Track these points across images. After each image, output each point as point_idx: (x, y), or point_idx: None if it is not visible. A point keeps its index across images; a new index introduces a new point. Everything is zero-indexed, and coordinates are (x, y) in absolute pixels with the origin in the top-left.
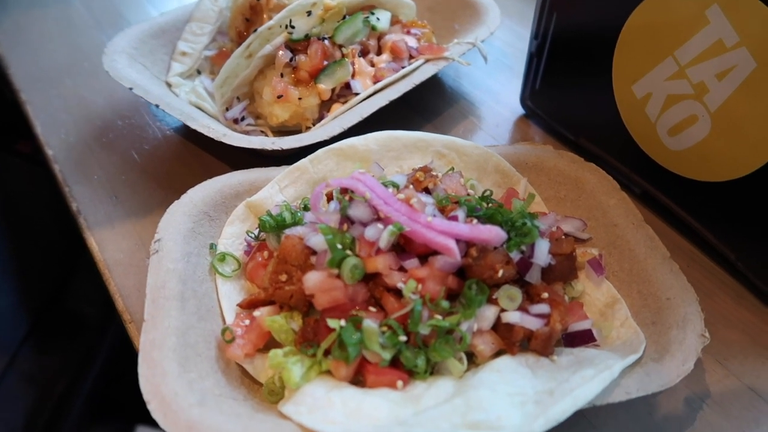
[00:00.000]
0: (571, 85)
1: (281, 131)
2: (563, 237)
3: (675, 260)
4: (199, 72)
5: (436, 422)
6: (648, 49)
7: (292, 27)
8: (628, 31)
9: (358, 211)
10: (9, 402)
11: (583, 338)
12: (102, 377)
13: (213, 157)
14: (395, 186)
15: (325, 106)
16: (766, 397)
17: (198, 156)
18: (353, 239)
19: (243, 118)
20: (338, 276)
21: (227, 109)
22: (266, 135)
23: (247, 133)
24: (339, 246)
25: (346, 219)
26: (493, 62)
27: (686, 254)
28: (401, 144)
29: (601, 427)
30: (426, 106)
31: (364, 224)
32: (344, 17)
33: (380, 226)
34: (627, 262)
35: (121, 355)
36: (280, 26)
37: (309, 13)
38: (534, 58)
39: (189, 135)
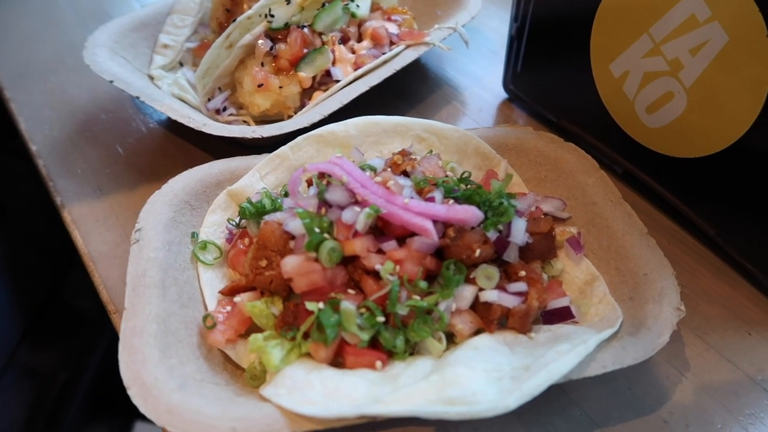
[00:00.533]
0: (551, 66)
1: (263, 120)
2: (542, 216)
3: (656, 237)
4: (181, 64)
5: (412, 398)
6: (624, 28)
7: (272, 16)
8: (604, 10)
9: (335, 195)
10: (10, 397)
11: (562, 315)
12: (102, 371)
13: (196, 148)
14: (373, 169)
15: (306, 94)
16: (744, 369)
17: (181, 147)
18: (331, 223)
19: (225, 109)
20: (316, 260)
21: (209, 100)
22: (248, 125)
23: (229, 123)
24: (317, 230)
25: (324, 203)
26: (476, 47)
27: (667, 231)
28: (381, 129)
29: (582, 402)
30: (410, 92)
31: (342, 208)
32: (323, 5)
33: (357, 209)
34: (605, 239)
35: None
36: (260, 15)
37: (288, 1)
38: (514, 42)
39: (172, 127)
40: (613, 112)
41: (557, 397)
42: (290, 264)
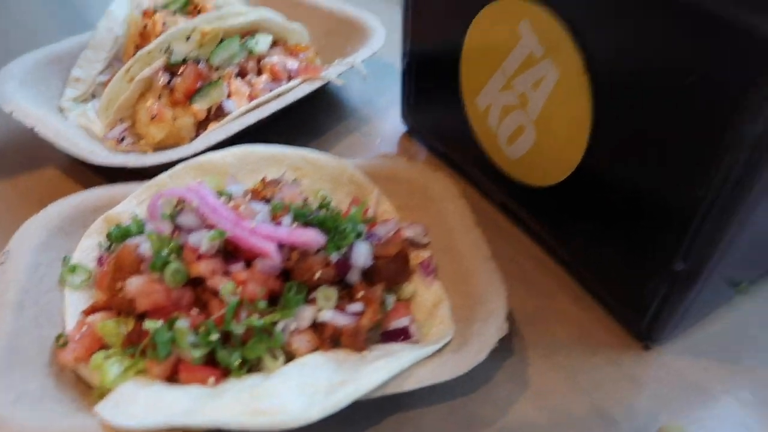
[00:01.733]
0: (435, 101)
1: (162, 150)
2: (396, 240)
3: (524, 263)
4: (93, 96)
5: (224, 410)
6: (483, 63)
7: (171, 51)
8: (468, 49)
9: (186, 219)
10: None
11: (398, 335)
12: None
13: (95, 176)
14: (229, 196)
15: (202, 126)
16: (582, 386)
17: (78, 176)
18: (181, 246)
19: (123, 139)
20: (161, 280)
21: (111, 131)
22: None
23: (126, 152)
24: (165, 252)
25: (177, 227)
26: (383, 79)
27: (534, 257)
28: (258, 157)
29: (419, 419)
30: (313, 123)
31: (192, 231)
32: (222, 41)
33: (205, 231)
34: (456, 263)
35: None
36: (160, 51)
37: (188, 38)
38: (405, 76)
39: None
40: (483, 144)
41: (393, 412)
42: (134, 284)
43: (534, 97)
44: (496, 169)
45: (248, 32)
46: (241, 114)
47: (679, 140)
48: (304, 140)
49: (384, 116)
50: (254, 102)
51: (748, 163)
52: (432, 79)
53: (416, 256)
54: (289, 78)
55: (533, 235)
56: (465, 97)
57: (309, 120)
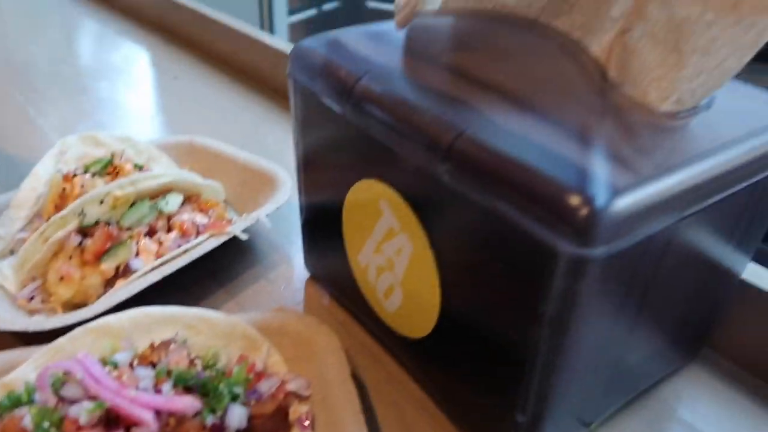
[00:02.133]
0: (328, 253)
1: (73, 308)
2: (277, 396)
3: (405, 407)
4: (12, 252)
5: None
6: (359, 228)
7: (85, 214)
8: (346, 214)
9: (69, 391)
10: None
11: None
12: None
13: (15, 339)
14: (115, 364)
15: (110, 284)
16: None
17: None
18: (62, 418)
19: (32, 298)
20: None
21: (23, 290)
22: (56, 312)
23: (36, 311)
24: (46, 424)
25: (61, 399)
26: (293, 225)
27: (419, 403)
28: (152, 320)
29: None
30: (221, 273)
31: (76, 402)
32: (134, 203)
33: (86, 403)
34: (331, 415)
35: None
36: (75, 214)
37: (102, 201)
38: (304, 228)
39: None
40: (366, 295)
41: None
42: None
43: (397, 263)
44: (379, 319)
45: (161, 192)
46: (147, 272)
47: (505, 310)
48: (212, 290)
49: (291, 262)
50: (160, 259)
51: (558, 320)
52: (324, 234)
53: (295, 411)
54: (198, 233)
55: (417, 380)
56: (349, 253)
57: (217, 270)
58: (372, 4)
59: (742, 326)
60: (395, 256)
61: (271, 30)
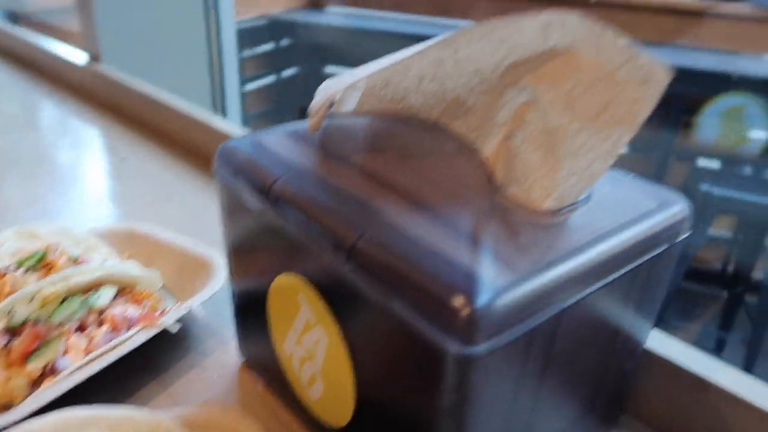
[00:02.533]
0: (258, 341)
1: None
2: None
3: None
4: None
5: None
6: (282, 320)
7: (14, 314)
8: (270, 306)
9: None
10: None
11: None
12: None
13: None
14: None
15: (37, 383)
16: None
17: None
18: None
19: None
20: None
21: None
22: None
23: None
24: None
25: None
26: (230, 311)
27: None
28: (78, 422)
29: None
30: (152, 364)
31: None
32: (65, 299)
33: None
34: None
35: None
36: (4, 313)
37: (31, 299)
38: (236, 314)
39: None
40: (292, 383)
41: None
42: None
43: (317, 354)
44: (306, 407)
45: (94, 286)
46: (75, 370)
47: (411, 401)
48: (144, 382)
49: (226, 347)
50: (88, 357)
51: (456, 410)
52: (254, 321)
53: None
54: (129, 326)
55: None
56: (276, 343)
57: (149, 361)
58: (330, 70)
59: (653, 393)
60: (314, 347)
61: (222, 101)
